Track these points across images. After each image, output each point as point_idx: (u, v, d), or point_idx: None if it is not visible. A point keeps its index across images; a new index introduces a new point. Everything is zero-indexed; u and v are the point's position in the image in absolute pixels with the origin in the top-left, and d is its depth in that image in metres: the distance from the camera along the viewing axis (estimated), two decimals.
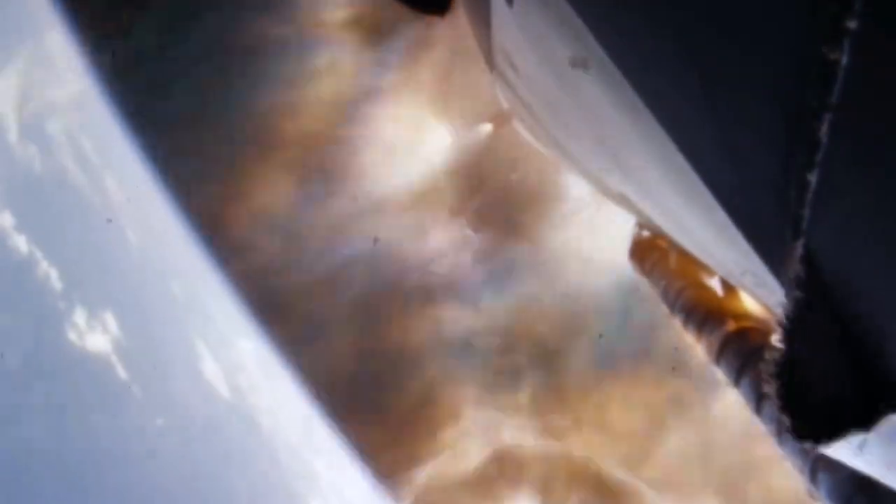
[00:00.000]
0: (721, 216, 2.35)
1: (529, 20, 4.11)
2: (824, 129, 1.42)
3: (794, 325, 1.64)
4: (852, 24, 1.29)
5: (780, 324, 1.69)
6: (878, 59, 1.31)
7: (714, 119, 2.10)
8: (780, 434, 2.95)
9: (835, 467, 2.45)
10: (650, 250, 6.44)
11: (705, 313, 4.61)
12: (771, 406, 2.83)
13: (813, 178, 1.49)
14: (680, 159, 2.46)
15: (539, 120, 6.29)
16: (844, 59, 1.33)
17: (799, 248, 1.61)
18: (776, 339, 1.67)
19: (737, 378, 3.76)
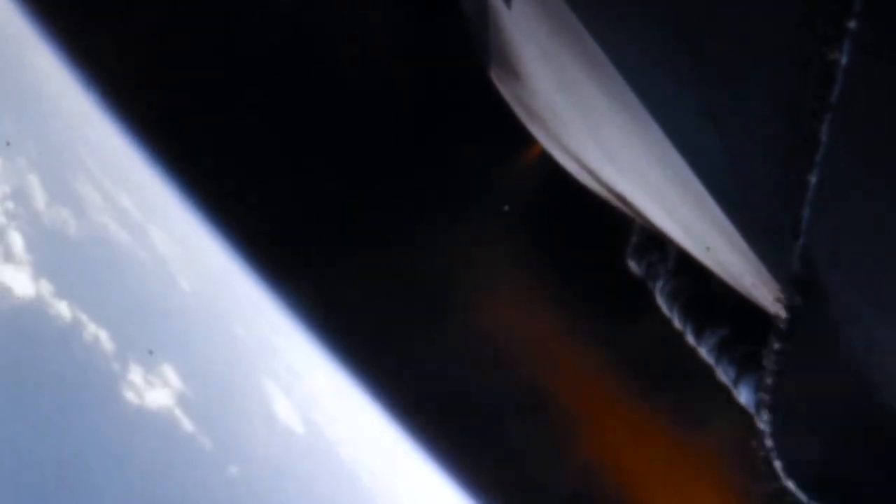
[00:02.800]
0: (721, 216, 2.35)
1: (528, 21, 4.11)
2: (824, 129, 1.42)
3: (793, 325, 1.64)
4: (852, 25, 1.29)
5: (779, 324, 1.69)
6: (878, 59, 1.30)
7: (714, 120, 2.10)
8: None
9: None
10: (649, 250, 6.43)
11: (704, 314, 4.60)
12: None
13: (813, 178, 1.49)
14: (679, 159, 2.45)
15: (539, 119, 6.30)
16: (844, 59, 1.33)
17: (798, 248, 1.61)
18: (775, 340, 1.67)
19: (736, 380, 3.76)
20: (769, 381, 1.68)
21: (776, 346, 1.67)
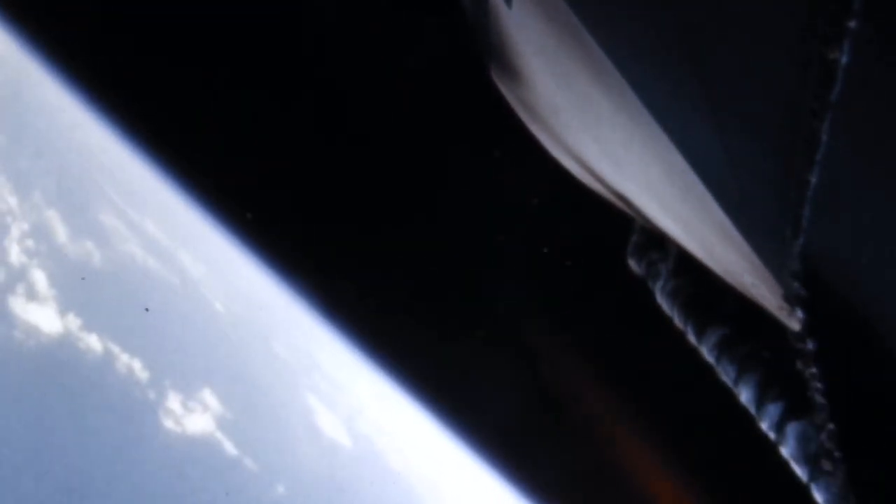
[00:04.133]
0: (720, 216, 2.35)
1: (528, 20, 4.11)
2: (824, 129, 1.42)
3: (805, 326, 1.64)
4: (852, 24, 1.29)
5: (780, 324, 1.69)
6: (878, 59, 1.31)
7: (714, 119, 2.10)
8: (780, 435, 2.95)
9: (836, 474, 2.45)
10: (649, 249, 6.43)
11: (704, 313, 4.60)
12: (772, 409, 2.83)
13: (813, 178, 1.49)
14: (679, 159, 2.46)
15: (539, 118, 6.30)
16: (844, 59, 1.33)
17: (798, 248, 1.61)
18: (777, 340, 1.67)
19: (736, 379, 3.76)
20: (780, 383, 1.68)
21: (782, 348, 1.67)
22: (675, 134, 2.42)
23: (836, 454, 1.72)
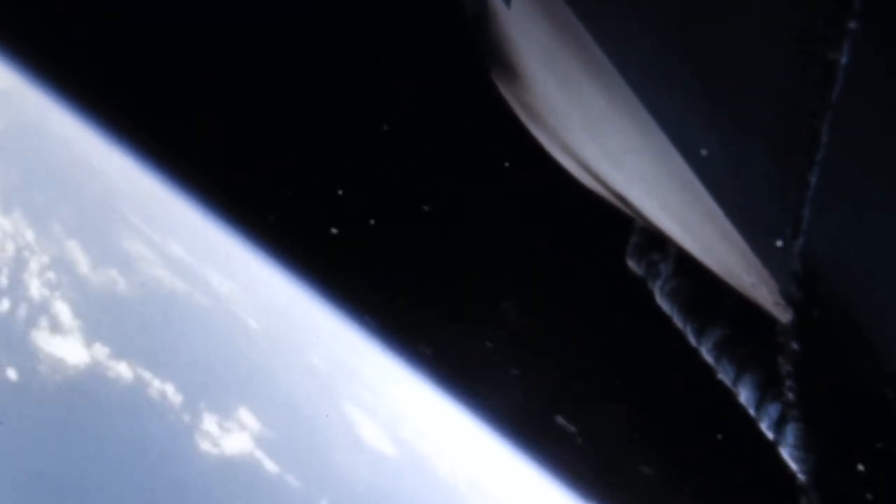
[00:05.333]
0: (720, 216, 2.35)
1: (528, 21, 4.11)
2: (824, 129, 1.42)
3: (794, 326, 1.64)
4: (852, 24, 1.29)
5: (779, 324, 1.69)
6: (878, 59, 1.31)
7: (713, 119, 2.10)
8: (779, 435, 2.95)
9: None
10: (649, 250, 6.43)
11: (704, 314, 4.60)
12: (772, 409, 2.83)
13: (813, 178, 1.49)
14: (679, 159, 2.45)
15: (539, 119, 6.29)
16: (844, 59, 1.33)
17: (798, 248, 1.61)
18: (776, 340, 1.67)
19: (735, 379, 3.76)
20: (791, 391, 1.68)
21: (781, 349, 1.67)
22: (674, 134, 2.42)
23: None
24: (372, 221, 9.82)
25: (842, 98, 1.37)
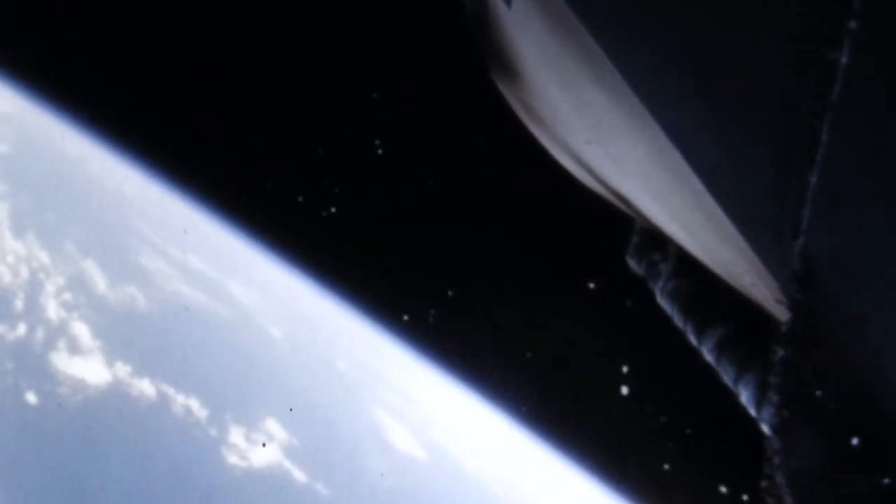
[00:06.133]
0: (720, 216, 2.35)
1: (528, 21, 4.11)
2: (824, 129, 1.42)
3: (794, 326, 1.64)
4: (852, 24, 1.29)
5: (779, 324, 1.69)
6: (878, 59, 1.30)
7: (713, 118, 2.10)
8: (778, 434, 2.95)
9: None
10: (649, 250, 6.43)
11: (704, 314, 4.60)
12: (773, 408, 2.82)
13: (813, 178, 1.49)
14: (679, 159, 2.45)
15: (539, 119, 6.29)
16: (844, 59, 1.33)
17: (798, 248, 1.61)
18: (776, 340, 1.67)
19: (736, 379, 3.76)
20: (777, 386, 1.67)
21: (781, 350, 1.67)
22: (674, 134, 2.41)
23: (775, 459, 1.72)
24: (382, 224, 9.85)
25: (842, 98, 1.37)
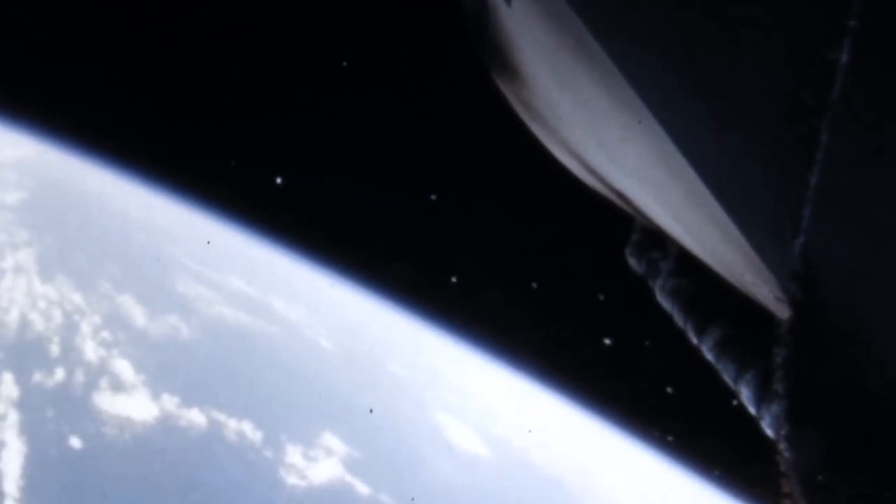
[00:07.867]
0: (721, 215, 2.35)
1: (528, 20, 4.11)
2: (824, 129, 1.42)
3: (795, 325, 1.64)
4: (852, 24, 1.29)
5: (780, 324, 1.69)
6: (878, 59, 1.31)
7: (714, 118, 2.11)
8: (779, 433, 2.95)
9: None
10: (649, 248, 6.43)
11: (704, 313, 4.60)
12: (773, 408, 2.83)
13: (813, 178, 1.49)
14: (679, 158, 2.46)
15: (540, 118, 6.29)
16: (844, 59, 1.33)
17: (798, 248, 1.61)
18: (777, 340, 1.67)
19: (736, 378, 3.76)
20: (780, 384, 1.68)
21: (782, 348, 1.67)
22: (674, 133, 2.42)
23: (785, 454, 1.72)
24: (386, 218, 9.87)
25: (842, 98, 1.37)
